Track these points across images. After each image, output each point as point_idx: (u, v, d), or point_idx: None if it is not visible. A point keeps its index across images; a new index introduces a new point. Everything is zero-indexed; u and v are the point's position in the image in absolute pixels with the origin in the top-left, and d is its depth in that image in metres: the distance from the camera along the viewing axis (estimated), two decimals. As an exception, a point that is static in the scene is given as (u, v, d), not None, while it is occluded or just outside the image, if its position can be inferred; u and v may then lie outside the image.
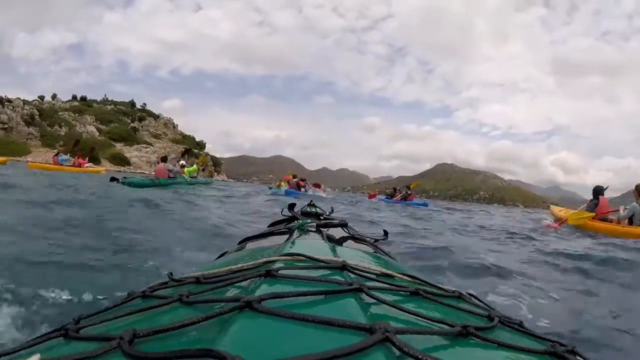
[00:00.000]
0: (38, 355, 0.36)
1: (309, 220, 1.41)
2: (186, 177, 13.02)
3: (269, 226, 1.91)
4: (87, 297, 1.70)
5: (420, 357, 0.33)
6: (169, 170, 11.78)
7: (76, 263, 2.13)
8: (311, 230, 1.27)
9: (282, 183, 20.76)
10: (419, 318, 0.46)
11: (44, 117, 76.74)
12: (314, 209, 2.29)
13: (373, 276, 0.63)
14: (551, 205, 10.89)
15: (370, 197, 22.08)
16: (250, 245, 1.22)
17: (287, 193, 14.75)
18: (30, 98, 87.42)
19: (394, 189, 18.14)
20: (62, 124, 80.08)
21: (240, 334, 0.38)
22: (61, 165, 15.48)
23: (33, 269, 1.95)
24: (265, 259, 0.68)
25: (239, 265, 0.66)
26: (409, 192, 17.51)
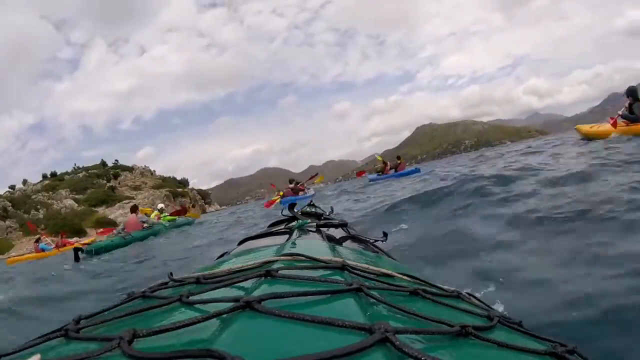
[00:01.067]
0: (38, 356, 0.36)
1: (309, 220, 1.42)
2: (164, 223, 11.40)
3: (269, 226, 1.92)
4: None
5: (419, 357, 0.33)
6: (143, 222, 10.19)
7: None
8: (311, 230, 1.27)
9: (281, 192, 20.52)
10: (419, 318, 0.46)
11: (17, 206, 75.03)
12: (313, 209, 2.31)
13: (373, 276, 0.64)
14: (577, 126, 9.28)
15: (358, 175, 21.13)
16: (250, 245, 1.23)
17: (282, 203, 13.09)
18: (2, 191, 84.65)
19: (384, 163, 16.54)
20: (38, 206, 77.80)
21: (240, 334, 0.39)
22: (44, 252, 14.04)
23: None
24: (265, 259, 0.68)
25: (239, 266, 0.67)
26: (399, 162, 16.04)
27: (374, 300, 0.48)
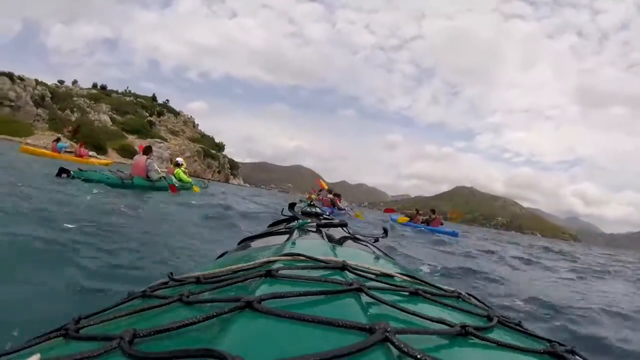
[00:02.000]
0: (38, 355, 0.36)
1: (309, 220, 1.42)
2: (173, 179, 9.78)
3: (269, 226, 1.91)
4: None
5: (419, 357, 0.34)
6: (148, 170, 8.39)
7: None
8: (311, 230, 1.27)
9: (313, 196, 18.43)
10: (419, 318, 0.46)
11: (56, 100, 73.00)
12: (314, 209, 2.30)
13: (373, 276, 0.64)
14: None
15: (387, 211, 18.84)
16: (250, 245, 1.23)
17: None
18: (51, 82, 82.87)
19: (416, 211, 14.65)
20: (75, 109, 75.89)
21: (240, 334, 0.39)
22: (59, 152, 13.46)
23: None
24: (265, 259, 0.68)
25: (239, 265, 0.66)
26: (434, 217, 13.81)
27: (374, 300, 0.49)
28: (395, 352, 0.35)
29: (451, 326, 0.44)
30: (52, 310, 1.55)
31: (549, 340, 0.50)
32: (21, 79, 66.09)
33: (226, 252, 1.28)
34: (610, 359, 2.12)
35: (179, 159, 11.86)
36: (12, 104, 63.36)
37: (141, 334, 0.39)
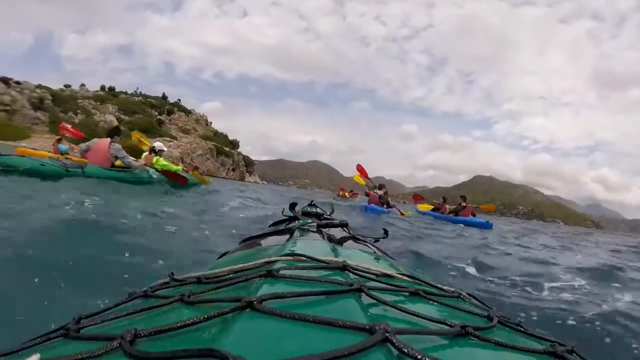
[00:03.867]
0: (37, 355, 0.37)
1: (310, 220, 1.42)
2: (150, 172, 7.34)
3: (270, 226, 1.91)
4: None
5: (419, 357, 0.34)
6: (115, 157, 6.34)
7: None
8: (312, 231, 1.27)
9: (347, 194, 17.35)
10: (419, 318, 0.46)
11: (58, 102, 69.70)
12: (314, 209, 2.30)
13: (373, 276, 0.64)
14: None
15: (416, 199, 14.68)
16: (251, 245, 1.23)
17: (367, 210, 10.11)
18: (58, 87, 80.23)
19: (443, 199, 12.26)
20: (79, 111, 72.16)
21: (241, 334, 0.39)
22: (61, 154, 10.95)
23: None
24: (266, 259, 0.68)
25: (240, 265, 0.67)
26: (464, 205, 11.30)
27: (375, 300, 0.49)
28: (395, 352, 0.35)
29: (451, 326, 0.44)
30: (52, 310, 1.53)
31: (550, 340, 0.50)
32: (18, 82, 64.24)
33: (227, 252, 1.28)
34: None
35: (157, 143, 8.72)
36: (8, 107, 61.44)
37: (142, 334, 0.39)
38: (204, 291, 0.55)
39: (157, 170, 7.70)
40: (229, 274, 0.64)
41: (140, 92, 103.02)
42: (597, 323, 2.09)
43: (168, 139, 74.93)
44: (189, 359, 0.33)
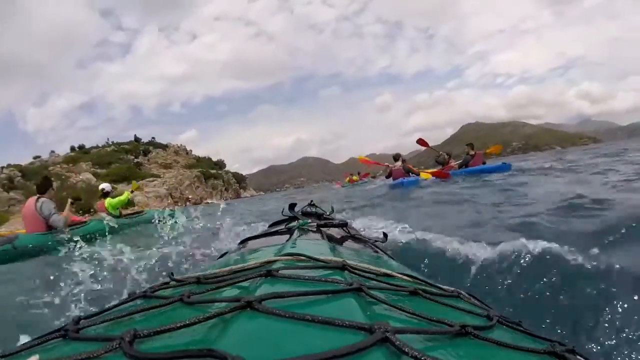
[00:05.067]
0: (37, 356, 0.37)
1: (309, 220, 1.42)
2: (104, 218, 6.02)
3: (269, 226, 1.92)
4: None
5: (419, 356, 0.34)
6: (44, 217, 5.12)
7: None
8: (311, 230, 1.27)
9: (355, 177, 17.65)
10: (418, 318, 0.46)
11: (28, 177, 65.81)
12: (314, 209, 2.32)
13: (373, 276, 0.64)
14: None
15: (421, 144, 10.89)
16: (250, 245, 1.24)
17: (393, 183, 9.12)
18: (27, 161, 75.80)
19: (447, 155, 10.82)
20: (52, 178, 67.94)
21: (241, 334, 0.39)
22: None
23: None
24: (265, 259, 0.68)
25: (240, 265, 0.67)
26: (472, 153, 9.62)
27: (374, 300, 0.49)
28: (395, 352, 0.35)
29: (451, 326, 0.44)
30: (51, 311, 1.45)
31: (549, 340, 0.50)
32: (-20, 168, 60.81)
33: (227, 252, 1.29)
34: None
35: (103, 185, 8.22)
36: (-24, 197, 57.77)
37: (142, 334, 0.39)
38: (204, 291, 0.55)
39: (114, 216, 7.10)
40: (229, 274, 0.64)
41: (112, 142, 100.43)
42: None
43: (151, 179, 72.23)
44: (188, 359, 0.33)
